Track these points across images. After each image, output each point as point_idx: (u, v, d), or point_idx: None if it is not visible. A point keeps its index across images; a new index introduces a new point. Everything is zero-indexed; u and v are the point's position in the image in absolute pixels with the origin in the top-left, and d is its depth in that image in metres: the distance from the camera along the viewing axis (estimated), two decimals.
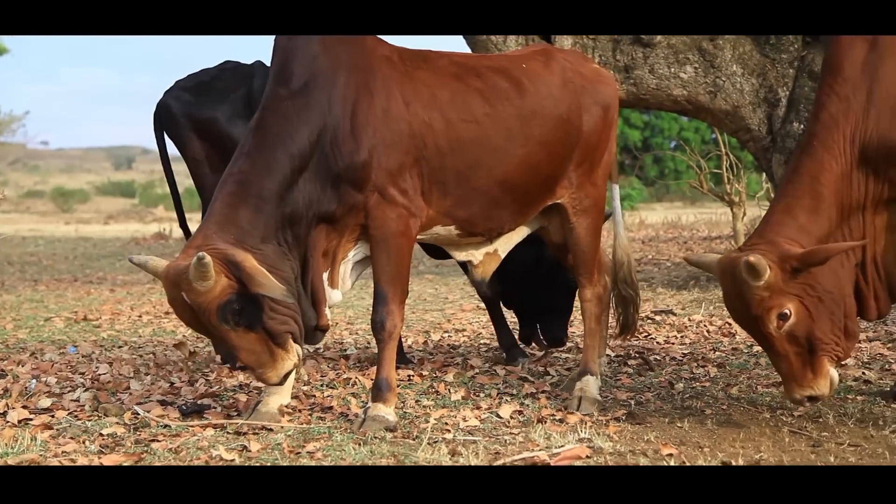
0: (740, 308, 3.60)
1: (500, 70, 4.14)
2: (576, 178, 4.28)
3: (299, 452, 3.46)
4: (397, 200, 3.83)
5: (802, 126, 6.47)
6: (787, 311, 3.50)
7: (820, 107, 3.72)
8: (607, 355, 5.08)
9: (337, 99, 3.80)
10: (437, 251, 4.82)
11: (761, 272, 3.46)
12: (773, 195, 5.18)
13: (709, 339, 5.81)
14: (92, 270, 12.90)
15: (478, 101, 4.01)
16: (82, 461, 3.34)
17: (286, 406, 3.99)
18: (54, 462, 3.34)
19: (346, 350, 5.80)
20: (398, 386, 4.26)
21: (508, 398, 4.29)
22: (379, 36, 4.00)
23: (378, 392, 3.81)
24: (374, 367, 4.03)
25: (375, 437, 3.63)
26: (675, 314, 6.83)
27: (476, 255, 4.31)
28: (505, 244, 4.36)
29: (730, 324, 6.06)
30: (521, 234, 4.41)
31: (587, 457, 3.35)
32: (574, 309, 5.18)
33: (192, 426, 3.81)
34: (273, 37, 3.97)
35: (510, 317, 5.45)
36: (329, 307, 3.94)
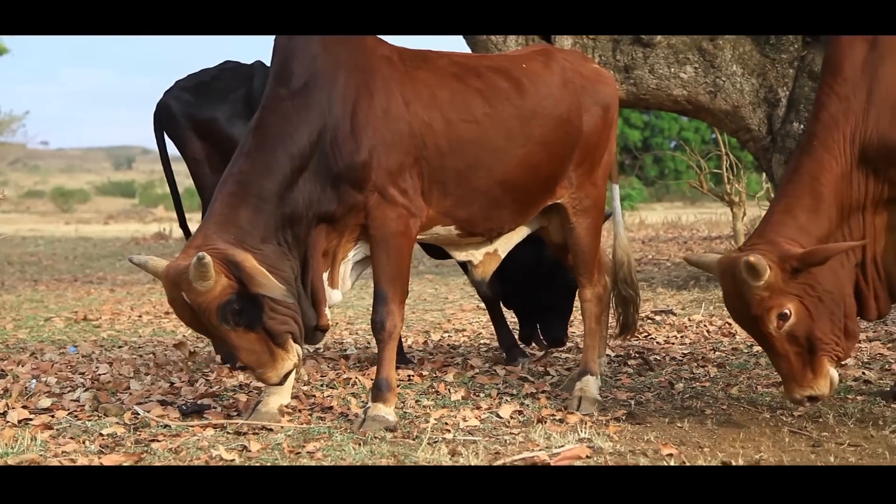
0: (740, 308, 3.60)
1: (500, 70, 4.14)
2: (576, 178, 4.29)
3: (299, 452, 3.46)
4: (397, 200, 3.83)
5: (802, 126, 6.47)
6: (787, 311, 3.50)
7: (820, 107, 3.72)
8: (607, 355, 5.08)
9: (337, 99, 3.80)
10: (437, 251, 4.82)
11: (761, 272, 3.46)
12: (773, 195, 5.18)
13: (709, 339, 5.80)
14: (92, 270, 12.89)
15: (478, 101, 4.01)
16: (82, 461, 3.34)
17: (286, 406, 3.98)
18: (54, 462, 3.34)
19: (346, 350, 5.79)
20: (398, 386, 4.26)
21: (508, 398, 4.29)
22: (379, 36, 4.00)
23: (378, 392, 3.81)
24: (374, 367, 4.03)
25: (375, 437, 3.63)
26: (675, 314, 6.83)
27: (476, 255, 4.31)
28: (505, 244, 4.36)
29: (730, 324, 6.06)
30: (521, 234, 4.41)
31: (587, 457, 3.35)
32: (574, 309, 5.18)
33: (192, 426, 3.81)
34: (273, 37, 3.97)
35: (510, 317, 5.44)
36: (329, 307, 3.94)
